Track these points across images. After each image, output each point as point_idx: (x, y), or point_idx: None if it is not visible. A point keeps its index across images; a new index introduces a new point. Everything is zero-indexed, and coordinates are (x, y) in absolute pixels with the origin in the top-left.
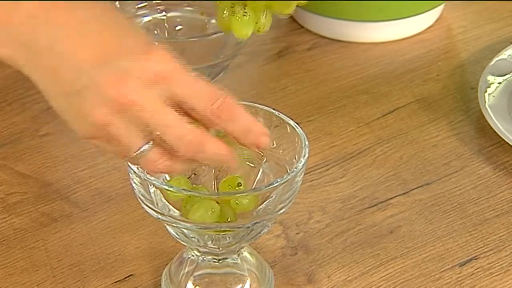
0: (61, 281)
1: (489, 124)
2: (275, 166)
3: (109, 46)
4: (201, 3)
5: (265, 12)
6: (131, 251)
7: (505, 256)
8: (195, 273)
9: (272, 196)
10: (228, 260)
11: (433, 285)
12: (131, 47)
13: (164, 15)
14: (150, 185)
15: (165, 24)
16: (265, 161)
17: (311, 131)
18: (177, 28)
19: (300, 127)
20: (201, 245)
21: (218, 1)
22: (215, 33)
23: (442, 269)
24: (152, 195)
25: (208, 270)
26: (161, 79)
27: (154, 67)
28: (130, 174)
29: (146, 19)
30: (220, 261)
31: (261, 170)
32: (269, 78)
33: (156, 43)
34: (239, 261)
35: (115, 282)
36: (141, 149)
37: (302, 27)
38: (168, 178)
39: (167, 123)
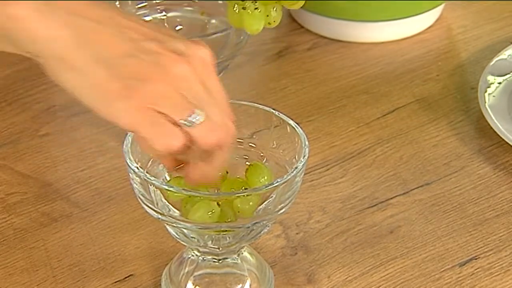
0: (61, 281)
1: (489, 124)
2: (275, 166)
3: (161, 30)
4: (201, 3)
5: (275, 6)
6: (131, 251)
7: (505, 256)
8: (195, 273)
9: (272, 196)
10: (228, 260)
11: (433, 285)
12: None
13: (164, 15)
14: (150, 185)
15: (165, 24)
16: (265, 161)
17: (311, 131)
18: (177, 28)
19: (300, 127)
20: (201, 245)
21: None
22: (215, 33)
23: (442, 269)
24: (152, 195)
25: (208, 270)
26: (208, 65)
27: (206, 53)
28: (130, 174)
29: (146, 19)
30: (220, 261)
31: None
32: (269, 78)
33: None
34: (239, 261)
35: (115, 282)
36: (192, 118)
37: (302, 27)
38: (168, 178)
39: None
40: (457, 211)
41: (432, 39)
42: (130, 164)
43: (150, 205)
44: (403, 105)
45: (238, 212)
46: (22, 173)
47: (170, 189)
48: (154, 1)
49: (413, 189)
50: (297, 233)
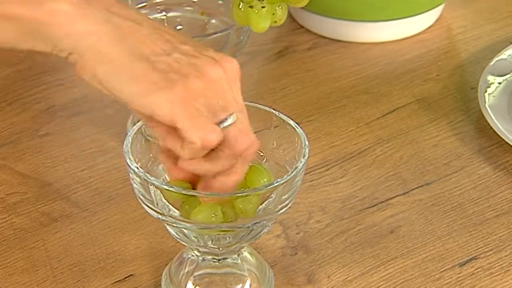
0: (61, 281)
1: (489, 124)
2: (275, 166)
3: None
4: (201, 3)
5: (280, 5)
6: (131, 251)
7: (505, 256)
8: (195, 273)
9: (272, 196)
10: (228, 260)
11: (433, 285)
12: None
13: (164, 15)
14: (150, 185)
15: (165, 24)
16: (265, 161)
17: (311, 131)
18: (177, 28)
19: (300, 127)
20: (201, 245)
21: None
22: (215, 33)
23: (442, 269)
24: (152, 195)
25: (208, 270)
26: (237, 76)
27: (236, 65)
28: (130, 174)
29: None
30: (220, 261)
31: None
32: (269, 78)
33: None
34: (239, 261)
35: (115, 282)
36: (227, 118)
37: (302, 27)
38: (168, 178)
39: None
40: (457, 211)
41: (432, 39)
42: (130, 164)
43: (150, 205)
44: (403, 105)
45: (241, 213)
46: (22, 173)
47: (170, 189)
48: (154, 1)
49: (413, 189)
50: (297, 233)
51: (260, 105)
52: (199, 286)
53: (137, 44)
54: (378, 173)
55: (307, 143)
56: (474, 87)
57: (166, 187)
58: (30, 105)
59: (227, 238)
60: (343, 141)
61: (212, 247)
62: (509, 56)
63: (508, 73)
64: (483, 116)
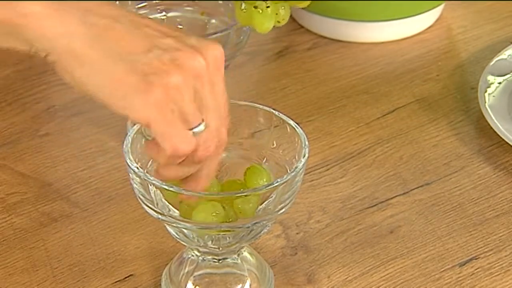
0: (61, 281)
1: (489, 124)
2: (275, 166)
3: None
4: (201, 3)
5: (283, 5)
6: (131, 251)
7: (505, 256)
8: (195, 273)
9: (272, 196)
10: (228, 260)
11: (433, 285)
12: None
13: (164, 15)
14: (150, 185)
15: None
16: (265, 161)
17: (311, 131)
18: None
19: (300, 127)
20: (201, 245)
21: None
22: (215, 33)
23: (442, 269)
24: (152, 195)
25: (208, 270)
26: (220, 63)
27: (219, 51)
28: (130, 174)
29: None
30: (220, 261)
31: None
32: (269, 78)
33: None
34: (239, 261)
35: (115, 282)
36: (200, 125)
37: (302, 27)
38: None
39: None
40: (457, 211)
41: (432, 39)
42: (130, 164)
43: (150, 205)
44: (403, 105)
45: (240, 212)
46: (22, 173)
47: (170, 189)
48: (154, 1)
49: (413, 189)
50: (297, 233)
51: (260, 105)
52: (199, 286)
53: (114, 44)
54: (378, 173)
55: (307, 143)
56: (474, 87)
57: (166, 187)
58: (30, 105)
59: (227, 238)
60: (343, 141)
61: (212, 247)
62: (509, 56)
63: (508, 73)
64: (483, 116)
